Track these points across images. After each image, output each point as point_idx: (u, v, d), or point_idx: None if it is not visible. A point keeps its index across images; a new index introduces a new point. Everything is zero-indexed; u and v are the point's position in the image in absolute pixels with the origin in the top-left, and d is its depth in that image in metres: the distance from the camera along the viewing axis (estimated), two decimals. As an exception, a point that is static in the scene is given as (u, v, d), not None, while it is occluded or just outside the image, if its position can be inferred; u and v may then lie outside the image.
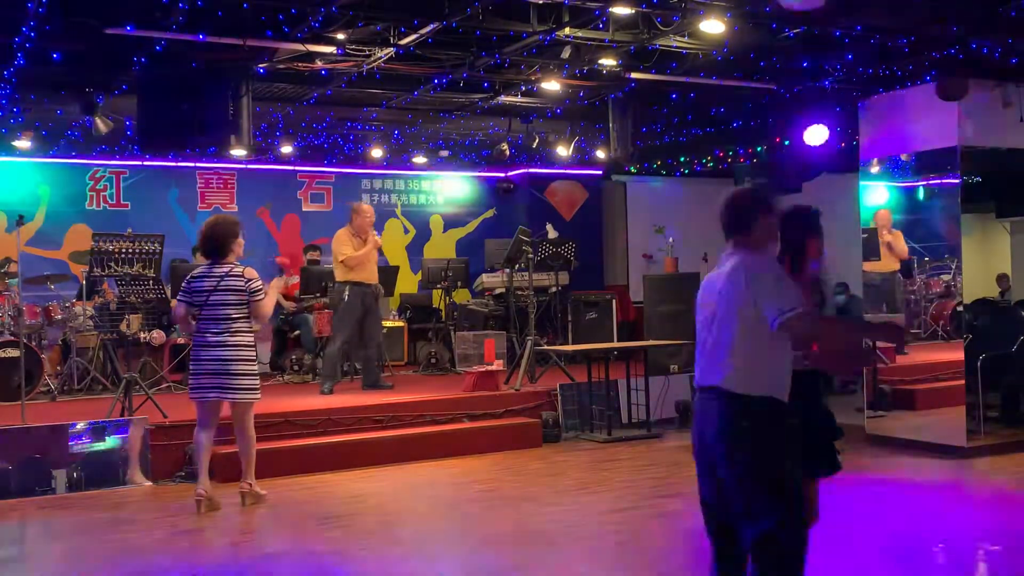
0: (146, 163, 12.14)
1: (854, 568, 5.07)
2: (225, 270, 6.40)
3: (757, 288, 3.45)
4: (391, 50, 8.23)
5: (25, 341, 8.61)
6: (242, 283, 6.38)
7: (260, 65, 8.46)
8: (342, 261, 9.46)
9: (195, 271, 6.61)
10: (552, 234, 12.68)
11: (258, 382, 6.52)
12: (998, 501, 6.35)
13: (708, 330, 3.65)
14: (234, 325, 6.37)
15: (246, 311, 6.42)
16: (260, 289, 6.46)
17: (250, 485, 6.56)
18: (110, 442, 7.40)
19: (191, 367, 6.50)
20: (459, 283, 12.07)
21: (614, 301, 12.23)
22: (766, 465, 3.46)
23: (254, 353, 6.54)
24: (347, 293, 9.42)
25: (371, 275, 9.60)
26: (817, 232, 4.24)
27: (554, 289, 11.89)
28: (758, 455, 3.47)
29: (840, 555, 5.22)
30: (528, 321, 9.80)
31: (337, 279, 9.62)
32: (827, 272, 4.47)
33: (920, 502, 5.30)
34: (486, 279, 12.67)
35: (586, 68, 9.09)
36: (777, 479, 3.44)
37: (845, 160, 11.07)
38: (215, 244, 6.48)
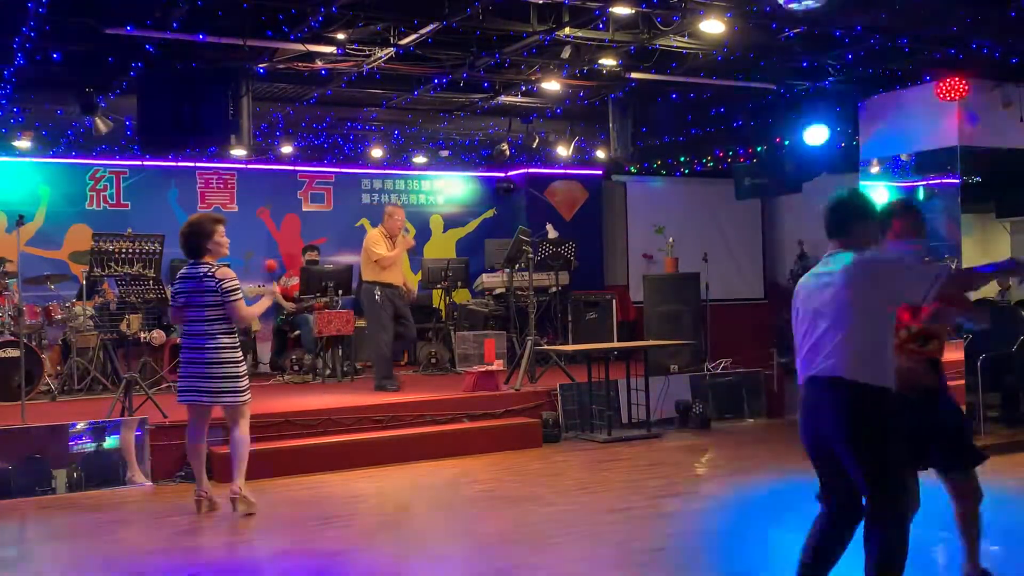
0: (146, 163, 12.15)
1: (852, 568, 5.07)
2: (203, 270, 6.27)
3: (889, 282, 3.73)
4: (391, 50, 8.23)
5: (25, 341, 8.61)
6: (214, 283, 6.20)
7: (260, 65, 8.45)
8: (375, 261, 9.59)
9: (181, 271, 6.50)
10: (552, 234, 12.68)
11: (245, 383, 6.31)
12: (998, 501, 6.35)
13: (815, 324, 3.84)
14: (214, 327, 6.20)
15: (224, 312, 6.23)
16: (233, 290, 6.24)
17: (240, 489, 6.33)
18: (110, 442, 7.41)
19: (180, 369, 6.41)
20: (459, 283, 12.07)
21: (614, 301, 12.23)
22: (876, 449, 3.69)
23: (239, 354, 6.31)
24: (378, 293, 9.55)
25: (399, 276, 9.81)
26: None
27: (554, 289, 11.89)
28: (870, 439, 3.69)
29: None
30: (528, 321, 9.80)
31: (365, 279, 9.74)
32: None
33: (920, 502, 5.30)
34: (486, 279, 12.67)
35: (586, 68, 9.08)
36: (883, 463, 3.69)
37: (845, 160, 11.08)
38: (189, 244, 6.35)
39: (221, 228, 6.42)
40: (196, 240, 6.33)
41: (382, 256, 9.58)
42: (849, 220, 3.92)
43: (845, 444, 3.72)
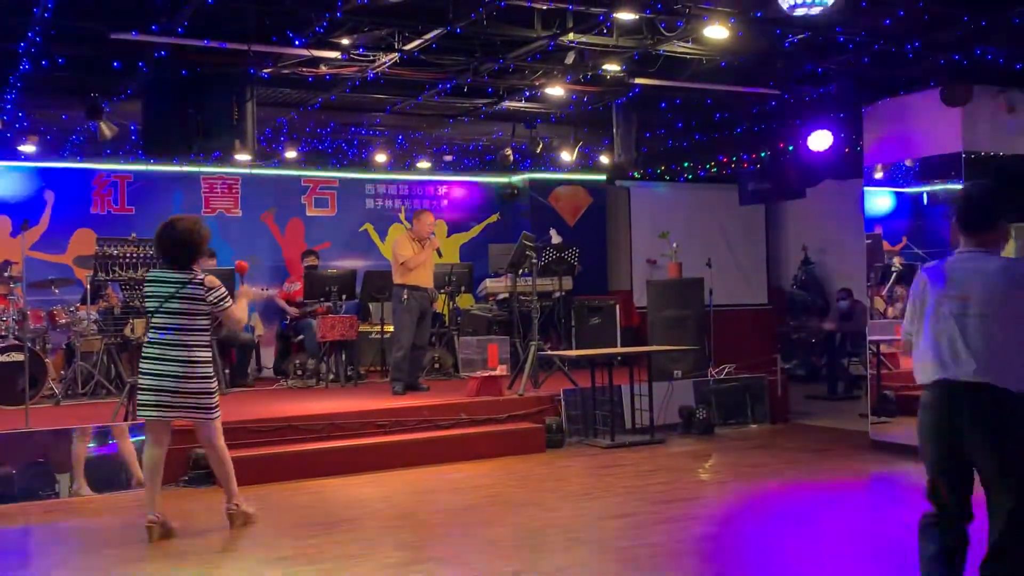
0: (150, 168, 12.16)
1: (856, 573, 5.06)
2: (186, 277, 5.85)
3: None
4: (395, 55, 8.24)
5: (29, 345, 8.63)
6: (202, 292, 5.83)
7: (264, 70, 8.47)
8: (402, 263, 9.69)
9: (152, 273, 6.12)
10: (556, 239, 12.70)
11: (215, 400, 5.93)
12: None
13: (955, 322, 3.69)
14: (190, 337, 5.82)
15: (205, 323, 5.89)
16: (225, 298, 5.92)
17: (237, 506, 6.09)
18: (114, 447, 7.41)
19: (140, 381, 5.90)
20: (463, 288, 12.08)
21: (618, 306, 12.25)
22: None
23: (210, 369, 5.95)
24: (405, 295, 9.66)
25: (427, 279, 9.90)
26: None
27: (558, 294, 11.88)
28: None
29: (843, 558, 5.21)
30: (532, 326, 9.79)
31: (395, 282, 9.83)
32: None
33: (924, 507, 5.29)
34: (490, 284, 12.67)
35: (590, 73, 9.09)
36: None
37: (849, 166, 11.07)
38: (186, 251, 5.89)
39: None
40: (195, 248, 5.92)
41: (408, 258, 9.65)
42: (991, 216, 3.78)
43: (996, 452, 3.62)
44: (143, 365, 5.88)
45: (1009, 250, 4.32)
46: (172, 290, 5.83)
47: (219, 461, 6.04)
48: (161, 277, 5.93)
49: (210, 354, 5.99)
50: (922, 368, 3.80)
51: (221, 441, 6.03)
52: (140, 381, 5.89)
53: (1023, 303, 3.63)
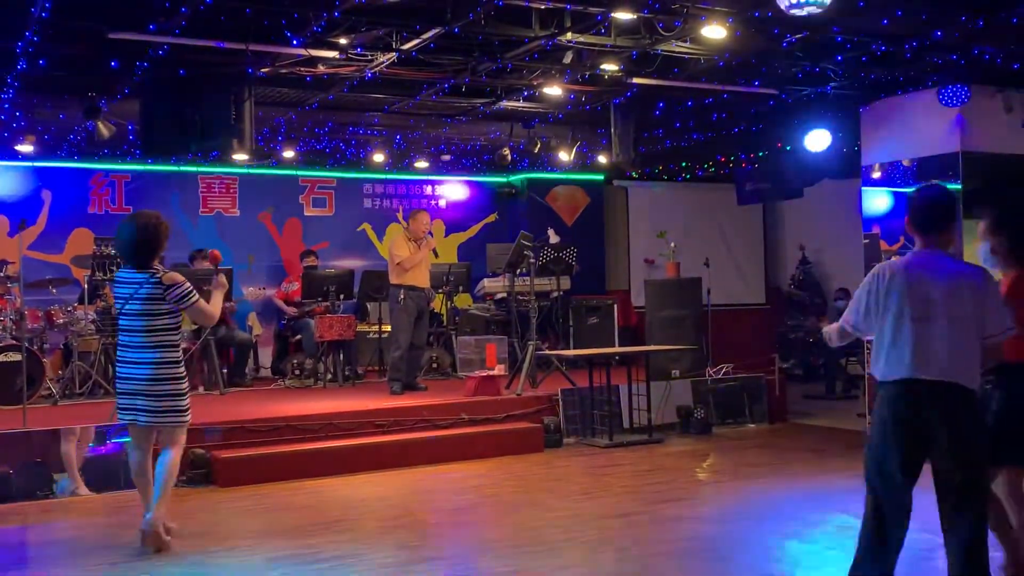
0: (148, 167, 12.15)
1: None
2: (144, 276, 5.58)
3: (996, 295, 3.86)
4: (393, 55, 8.24)
5: (27, 345, 8.61)
6: (160, 292, 5.54)
7: (262, 70, 8.47)
8: (398, 264, 9.69)
9: (119, 273, 5.79)
10: (554, 239, 12.69)
11: (185, 403, 5.64)
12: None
13: (919, 323, 3.84)
14: (153, 338, 5.55)
15: (169, 322, 5.59)
16: (187, 295, 5.59)
17: (161, 523, 5.61)
18: (112, 446, 7.40)
19: (116, 384, 5.76)
20: (460, 288, 12.08)
21: (616, 306, 12.24)
22: (985, 452, 3.88)
23: (182, 370, 5.67)
24: (402, 296, 9.65)
25: (425, 279, 9.91)
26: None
27: (556, 294, 11.88)
28: (982, 445, 3.87)
29: (842, 558, 5.21)
30: (529, 326, 9.80)
31: (392, 282, 9.84)
32: None
33: (924, 507, 5.28)
34: (488, 284, 12.67)
35: (588, 73, 9.09)
36: (986, 465, 3.91)
37: (846, 165, 11.09)
38: (147, 248, 5.61)
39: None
40: (155, 244, 5.62)
41: (403, 258, 9.66)
42: (949, 217, 3.94)
43: (959, 447, 3.81)
44: (116, 369, 5.75)
45: (971, 251, 4.50)
46: (131, 290, 5.60)
47: (169, 470, 5.61)
48: (121, 277, 5.70)
49: (179, 355, 5.69)
50: (885, 367, 3.91)
51: (179, 451, 5.69)
52: (116, 385, 5.74)
53: (978, 305, 3.80)
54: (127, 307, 5.60)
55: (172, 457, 5.64)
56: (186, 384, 5.71)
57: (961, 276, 3.85)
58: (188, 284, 5.64)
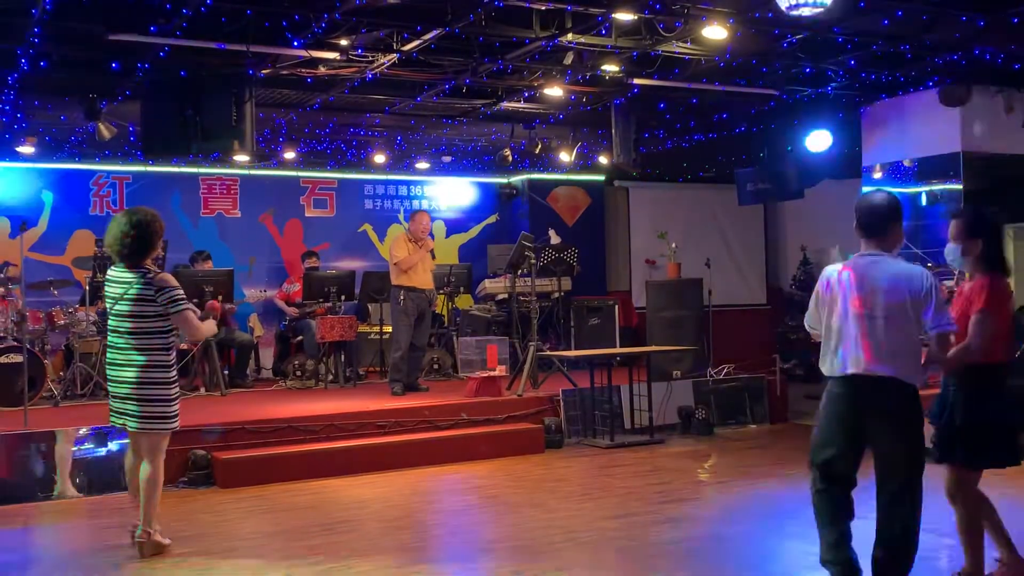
0: (149, 169, 12.16)
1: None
2: (135, 276, 5.39)
3: (935, 296, 3.99)
4: (394, 56, 8.24)
5: (28, 346, 8.62)
6: (151, 293, 5.35)
7: (263, 71, 8.47)
8: (396, 264, 9.69)
9: (111, 271, 5.56)
10: (555, 239, 12.70)
11: (172, 409, 5.46)
12: (999, 506, 6.33)
13: (862, 321, 4.03)
14: (143, 342, 5.37)
15: (159, 325, 5.39)
16: (178, 299, 5.39)
17: (149, 534, 5.49)
18: (112, 447, 7.41)
19: (107, 386, 5.61)
20: (461, 288, 12.08)
21: (617, 307, 12.24)
22: (922, 446, 4.08)
23: (170, 374, 5.47)
24: (403, 297, 9.65)
25: (426, 281, 9.88)
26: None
27: (557, 295, 11.88)
28: (923, 440, 4.08)
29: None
30: (531, 327, 9.80)
31: (393, 283, 9.84)
32: None
33: (924, 507, 5.29)
34: (489, 284, 12.67)
35: (588, 74, 9.09)
36: (923, 460, 4.08)
37: (847, 166, 11.09)
38: (140, 245, 5.40)
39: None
40: (149, 243, 5.43)
41: (401, 259, 9.66)
42: (889, 221, 4.14)
43: (897, 439, 4.05)
44: (106, 371, 5.61)
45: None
46: (121, 291, 5.41)
47: (152, 479, 5.44)
48: (113, 276, 5.50)
49: (170, 359, 5.49)
50: (831, 362, 4.15)
51: (162, 458, 5.51)
52: (108, 387, 5.60)
53: (917, 306, 3.99)
54: (116, 307, 5.43)
55: (155, 466, 5.45)
56: (176, 389, 5.54)
57: (901, 277, 4.03)
58: (180, 290, 5.46)
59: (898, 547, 4.09)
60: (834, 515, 4.18)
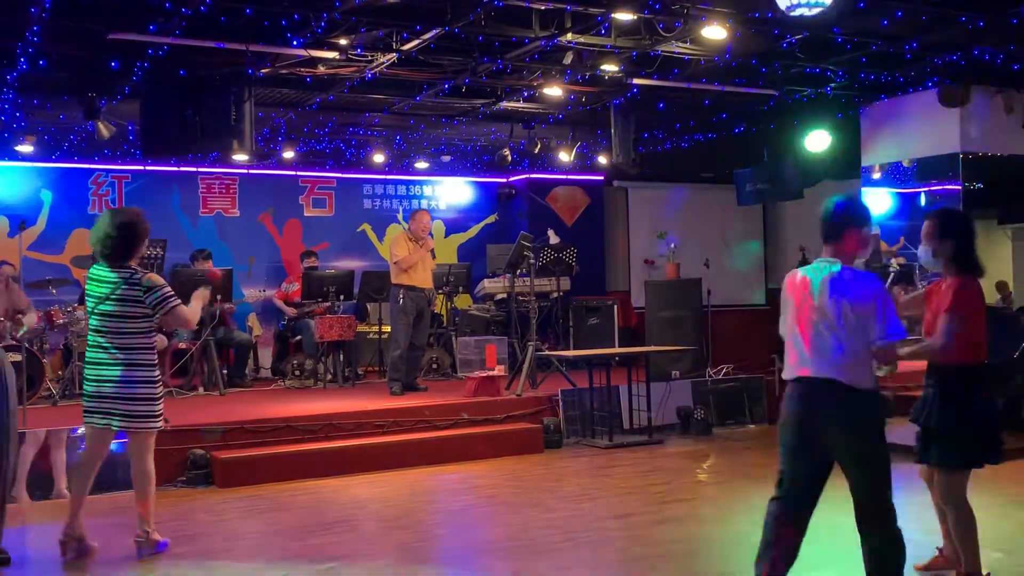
0: (148, 168, 12.16)
1: (855, 572, 5.06)
2: (122, 276, 5.34)
3: (881, 305, 3.94)
4: (393, 55, 8.24)
5: (27, 345, 8.62)
6: (138, 293, 5.32)
7: (262, 70, 8.46)
8: (395, 263, 9.69)
9: (94, 271, 5.48)
10: (554, 239, 12.70)
11: (158, 408, 5.44)
12: (999, 507, 6.34)
13: (814, 326, 4.02)
14: (128, 340, 5.33)
15: (144, 325, 5.37)
16: (168, 298, 5.37)
17: (147, 533, 5.49)
18: (111, 447, 7.38)
19: (84, 386, 5.54)
20: (460, 288, 12.08)
21: (616, 307, 12.25)
22: (884, 450, 4.08)
23: (155, 373, 5.45)
24: (402, 296, 9.64)
25: (425, 280, 9.87)
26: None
27: (556, 295, 11.89)
28: (880, 441, 4.07)
29: (841, 557, 5.21)
30: (529, 327, 9.80)
31: (392, 281, 9.83)
32: None
33: (924, 507, 5.30)
34: (488, 284, 12.67)
35: (588, 74, 9.09)
36: (887, 462, 4.08)
37: (846, 166, 11.08)
38: (126, 244, 5.36)
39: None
40: (133, 241, 5.39)
41: (400, 258, 9.66)
42: (844, 227, 4.07)
43: (854, 444, 4.02)
44: (84, 371, 5.53)
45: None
46: (105, 291, 5.35)
47: (144, 478, 5.47)
48: (96, 276, 5.43)
49: (155, 358, 5.49)
50: (787, 366, 4.16)
51: (151, 456, 5.51)
52: (84, 386, 5.53)
53: (868, 312, 3.94)
54: (100, 307, 5.36)
55: (146, 466, 5.47)
56: (160, 388, 5.51)
57: (854, 283, 4.00)
58: (168, 288, 5.43)
59: (884, 556, 4.11)
60: (769, 523, 4.17)
